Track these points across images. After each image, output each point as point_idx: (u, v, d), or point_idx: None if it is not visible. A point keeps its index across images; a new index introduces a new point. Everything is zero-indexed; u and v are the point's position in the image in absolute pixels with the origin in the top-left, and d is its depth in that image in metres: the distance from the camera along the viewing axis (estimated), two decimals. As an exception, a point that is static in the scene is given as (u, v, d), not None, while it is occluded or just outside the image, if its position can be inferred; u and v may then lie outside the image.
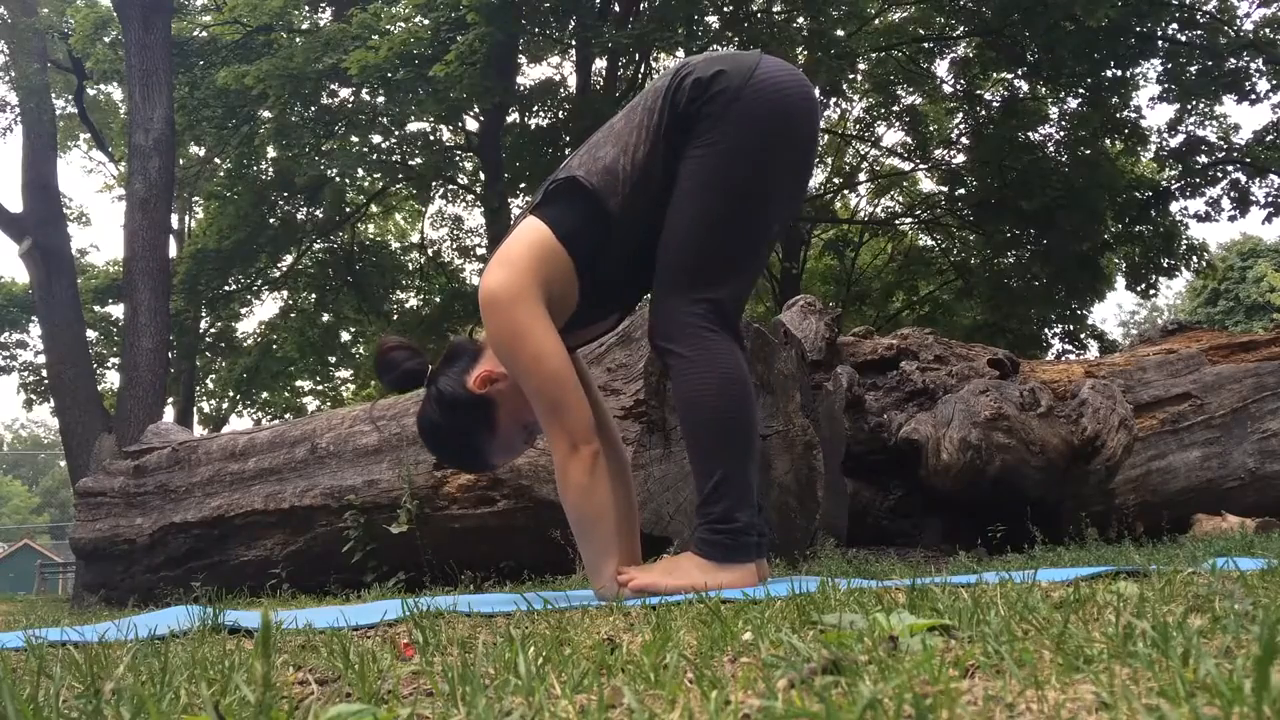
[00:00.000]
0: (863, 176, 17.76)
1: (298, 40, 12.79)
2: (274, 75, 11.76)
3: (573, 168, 1.91)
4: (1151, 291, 15.43)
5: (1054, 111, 14.70)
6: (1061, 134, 14.64)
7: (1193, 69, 13.26)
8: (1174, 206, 14.68)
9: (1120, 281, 15.56)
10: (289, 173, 13.55)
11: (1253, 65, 13.07)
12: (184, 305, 13.51)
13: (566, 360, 1.83)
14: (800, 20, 13.05)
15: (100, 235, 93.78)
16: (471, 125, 14.91)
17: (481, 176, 15.14)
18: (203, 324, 16.01)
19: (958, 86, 15.15)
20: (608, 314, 2.06)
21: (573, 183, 1.88)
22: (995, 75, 14.81)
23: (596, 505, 1.83)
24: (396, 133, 14.55)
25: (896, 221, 17.28)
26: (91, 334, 15.32)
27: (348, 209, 15.74)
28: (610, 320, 2.11)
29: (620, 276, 1.94)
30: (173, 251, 13.72)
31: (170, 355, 11.62)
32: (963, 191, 15.40)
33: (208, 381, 18.19)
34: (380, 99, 12.93)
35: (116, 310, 15.92)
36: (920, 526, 3.69)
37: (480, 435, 1.94)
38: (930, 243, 17.34)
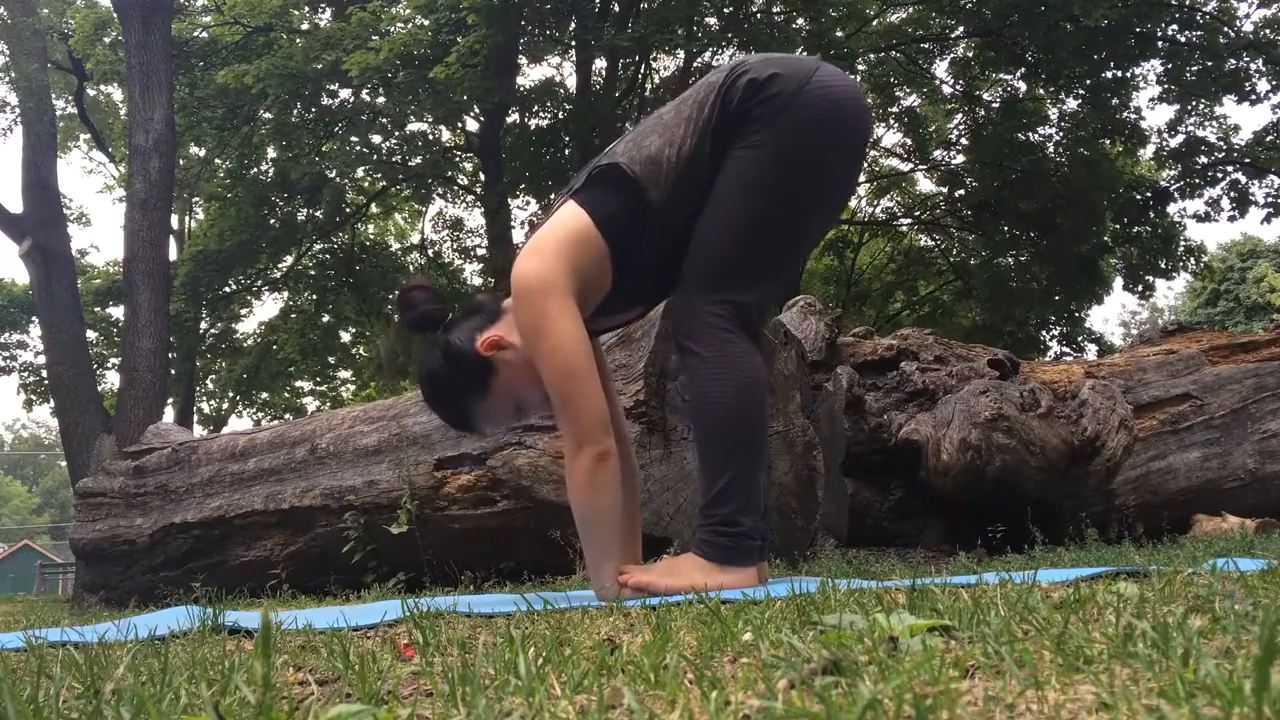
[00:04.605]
0: (862, 177, 17.75)
1: (298, 41, 12.79)
2: (274, 74, 11.76)
3: (616, 154, 1.90)
4: (1148, 293, 15.45)
5: (1053, 112, 14.70)
6: (1061, 135, 14.64)
7: (1193, 69, 13.26)
8: (1172, 208, 14.70)
9: (1118, 283, 15.58)
10: (289, 173, 13.55)
11: (1253, 65, 13.07)
12: (184, 306, 13.51)
13: (587, 357, 1.82)
14: (800, 21, 13.06)
15: (100, 235, 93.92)
16: (471, 126, 14.91)
17: (481, 177, 15.14)
18: (203, 325, 16.00)
19: (957, 87, 15.15)
20: (634, 304, 2.05)
21: (615, 169, 1.87)
22: (994, 76, 14.80)
23: (598, 505, 1.82)
24: (396, 133, 14.55)
25: (896, 222, 17.29)
26: (91, 334, 15.30)
27: (348, 209, 15.74)
28: (635, 311, 2.09)
29: (650, 268, 1.93)
30: (173, 253, 13.72)
31: (170, 356, 11.61)
32: (962, 192, 15.40)
33: (208, 382, 18.18)
34: (380, 99, 12.93)
35: (116, 311, 15.91)
36: (920, 527, 3.69)
37: (471, 395, 1.93)
38: (930, 243, 17.34)
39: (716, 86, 1.87)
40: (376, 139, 14.67)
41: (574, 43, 12.93)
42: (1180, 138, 14.48)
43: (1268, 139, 13.78)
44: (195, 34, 13.75)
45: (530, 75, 18.74)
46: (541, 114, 14.66)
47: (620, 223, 1.85)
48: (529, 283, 1.81)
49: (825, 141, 1.85)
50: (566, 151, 13.85)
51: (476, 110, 12.97)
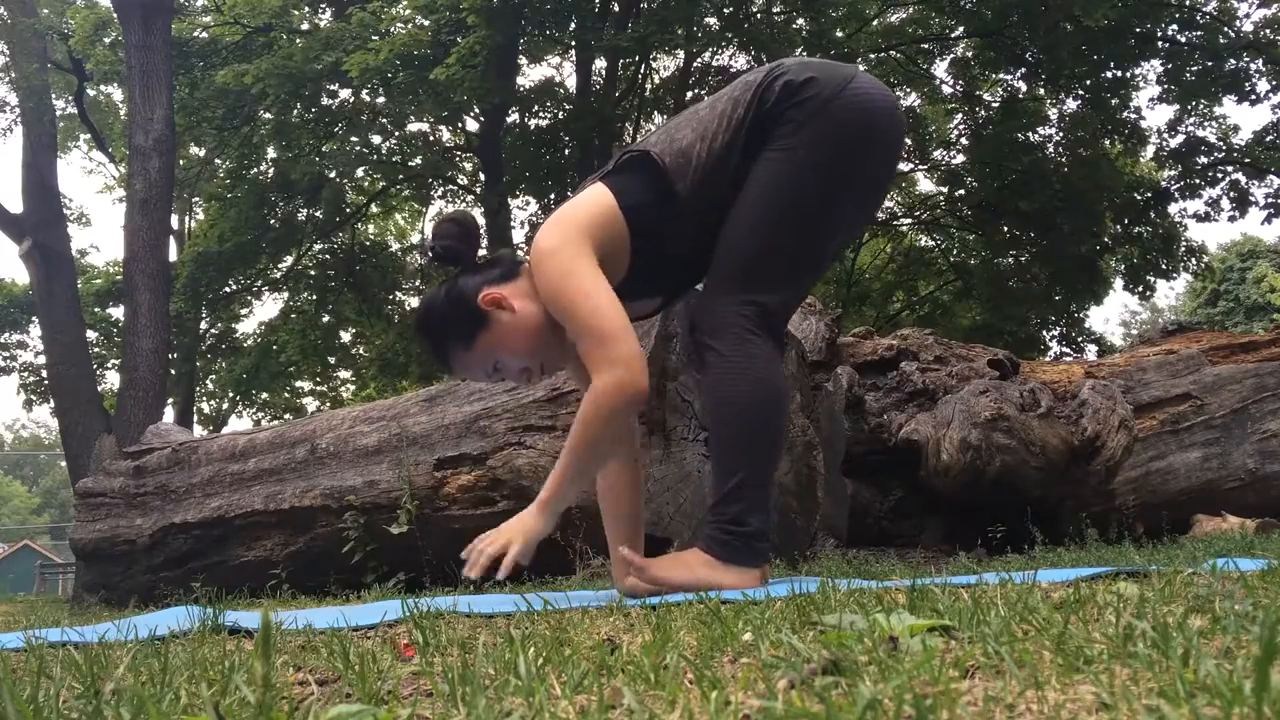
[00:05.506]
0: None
1: (298, 41, 12.79)
2: (274, 75, 11.76)
3: (649, 144, 1.92)
4: (1149, 293, 15.44)
5: (1053, 112, 14.70)
6: (1061, 135, 14.64)
7: (1193, 69, 13.26)
8: (1173, 208, 14.70)
9: (1118, 283, 15.57)
10: (289, 173, 13.54)
11: (1253, 65, 13.07)
12: (184, 306, 13.51)
13: (617, 302, 1.79)
14: (800, 21, 13.06)
15: (100, 235, 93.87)
16: (471, 126, 14.91)
17: (481, 177, 15.13)
18: (203, 325, 16.00)
19: (957, 87, 15.15)
20: (650, 295, 2.04)
21: (646, 158, 1.88)
22: (994, 76, 14.80)
23: (603, 437, 1.79)
24: (396, 133, 14.55)
25: (896, 222, 17.28)
26: (91, 334, 15.30)
27: (348, 209, 15.74)
28: (651, 303, 2.09)
29: (671, 261, 1.93)
30: (173, 253, 13.72)
31: (170, 356, 11.61)
32: (962, 192, 15.39)
33: (208, 382, 18.17)
34: (380, 100, 12.93)
35: (116, 311, 15.89)
36: (920, 527, 3.69)
37: (456, 339, 1.92)
38: (930, 243, 17.33)
39: (754, 86, 1.88)
40: (376, 139, 14.67)
41: (574, 43, 12.93)
42: (1180, 138, 14.49)
43: (1268, 139, 13.78)
44: (195, 34, 13.75)
45: (530, 75, 18.76)
46: (541, 114, 14.66)
47: (645, 210, 1.86)
48: (549, 247, 1.81)
49: (856, 148, 1.85)
50: (566, 152, 13.84)
51: (476, 110, 12.97)
